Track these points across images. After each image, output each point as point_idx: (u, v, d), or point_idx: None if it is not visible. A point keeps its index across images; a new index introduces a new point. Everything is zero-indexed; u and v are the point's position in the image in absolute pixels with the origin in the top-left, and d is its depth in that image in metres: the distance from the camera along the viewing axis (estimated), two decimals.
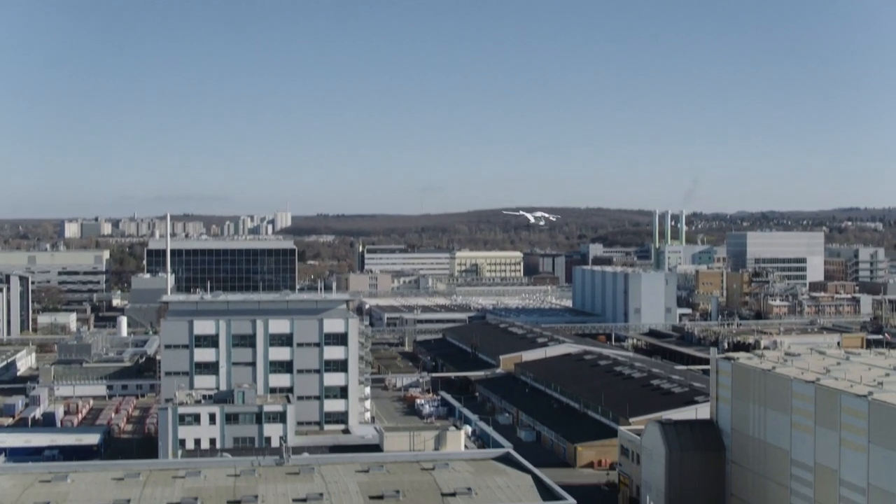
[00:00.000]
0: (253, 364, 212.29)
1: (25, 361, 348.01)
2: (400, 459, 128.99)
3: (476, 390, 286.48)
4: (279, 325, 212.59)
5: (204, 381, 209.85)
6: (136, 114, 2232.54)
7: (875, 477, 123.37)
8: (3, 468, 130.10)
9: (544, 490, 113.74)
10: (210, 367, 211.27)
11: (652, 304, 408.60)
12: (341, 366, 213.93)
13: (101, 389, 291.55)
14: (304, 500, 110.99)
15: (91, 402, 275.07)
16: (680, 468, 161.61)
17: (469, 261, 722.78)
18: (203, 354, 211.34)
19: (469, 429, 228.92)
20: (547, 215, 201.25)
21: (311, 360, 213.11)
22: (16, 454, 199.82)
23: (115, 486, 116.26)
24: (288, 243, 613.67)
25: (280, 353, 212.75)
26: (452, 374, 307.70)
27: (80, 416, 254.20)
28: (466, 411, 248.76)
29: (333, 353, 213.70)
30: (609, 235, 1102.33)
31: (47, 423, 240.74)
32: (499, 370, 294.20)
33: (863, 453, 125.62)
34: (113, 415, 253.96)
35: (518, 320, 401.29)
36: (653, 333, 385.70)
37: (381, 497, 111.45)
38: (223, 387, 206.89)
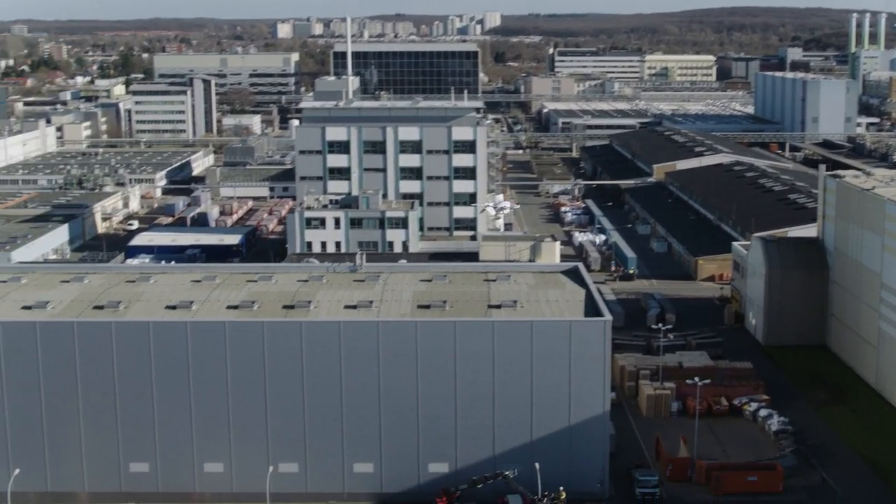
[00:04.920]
0: (384, 170, 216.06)
1: (202, 163, 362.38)
2: (469, 270, 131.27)
3: (625, 199, 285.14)
4: (409, 133, 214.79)
5: (337, 186, 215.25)
6: None
7: None
8: (98, 267, 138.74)
9: (591, 306, 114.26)
10: (342, 173, 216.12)
11: (831, 113, 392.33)
12: (470, 173, 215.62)
13: (263, 191, 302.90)
14: (355, 306, 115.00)
15: (250, 203, 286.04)
16: (780, 285, 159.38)
17: (659, 64, 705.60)
18: (335, 160, 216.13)
19: (601, 238, 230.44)
20: (508, 205, 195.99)
21: (441, 167, 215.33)
22: (162, 252, 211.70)
23: (188, 289, 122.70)
24: (471, 46, 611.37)
25: (410, 160, 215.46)
26: (598, 183, 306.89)
27: (234, 216, 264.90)
28: (605, 221, 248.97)
29: (462, 160, 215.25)
30: (823, 38, 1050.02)
31: (201, 223, 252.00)
32: (651, 179, 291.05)
33: None
34: (265, 216, 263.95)
35: (692, 128, 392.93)
36: (826, 144, 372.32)
37: (427, 307, 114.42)
38: (355, 192, 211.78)
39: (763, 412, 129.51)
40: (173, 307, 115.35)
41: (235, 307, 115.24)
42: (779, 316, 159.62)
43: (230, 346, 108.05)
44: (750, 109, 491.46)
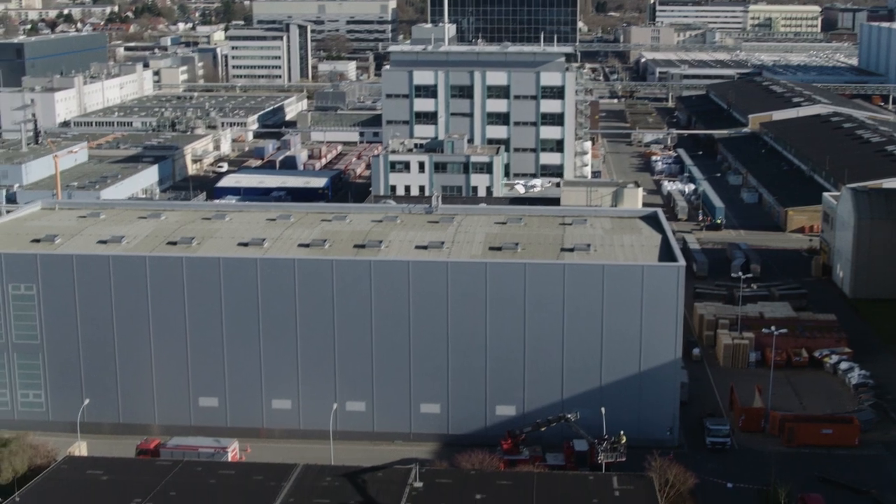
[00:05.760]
0: (471, 115, 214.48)
1: (295, 108, 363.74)
2: (545, 214, 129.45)
3: (718, 149, 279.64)
4: (496, 77, 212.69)
5: (423, 131, 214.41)
6: None
7: None
8: (176, 205, 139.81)
9: (667, 252, 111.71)
10: (429, 117, 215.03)
11: None
12: (557, 119, 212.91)
13: (353, 136, 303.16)
14: (426, 247, 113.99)
15: (339, 147, 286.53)
16: (869, 237, 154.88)
17: (763, 15, 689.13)
18: (422, 104, 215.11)
19: (690, 187, 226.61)
20: (538, 183, 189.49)
21: (528, 113, 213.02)
22: (248, 194, 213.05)
23: (262, 227, 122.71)
24: None
25: (497, 105, 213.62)
26: (691, 132, 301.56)
27: (322, 160, 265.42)
28: (695, 170, 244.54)
29: (550, 106, 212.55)
30: None
31: (289, 166, 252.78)
32: (745, 129, 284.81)
33: None
34: (353, 160, 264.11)
35: (792, 79, 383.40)
36: None
37: (499, 248, 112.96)
38: (441, 136, 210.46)
39: (844, 365, 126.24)
40: (245, 244, 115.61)
41: (307, 245, 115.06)
42: (867, 268, 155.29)
43: (299, 284, 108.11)
44: (854, 61, 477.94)
